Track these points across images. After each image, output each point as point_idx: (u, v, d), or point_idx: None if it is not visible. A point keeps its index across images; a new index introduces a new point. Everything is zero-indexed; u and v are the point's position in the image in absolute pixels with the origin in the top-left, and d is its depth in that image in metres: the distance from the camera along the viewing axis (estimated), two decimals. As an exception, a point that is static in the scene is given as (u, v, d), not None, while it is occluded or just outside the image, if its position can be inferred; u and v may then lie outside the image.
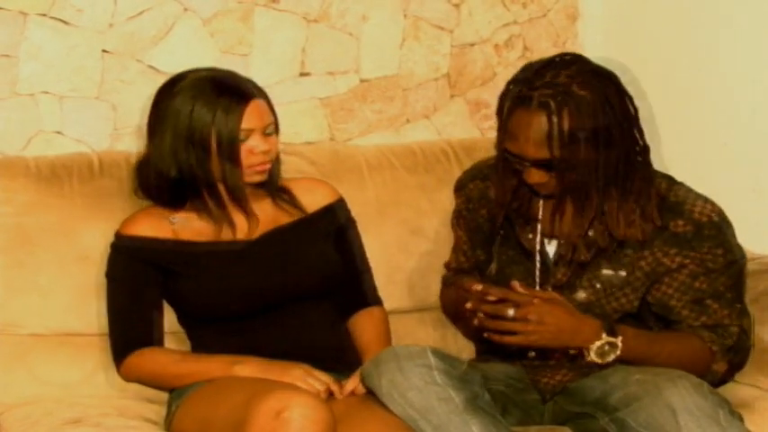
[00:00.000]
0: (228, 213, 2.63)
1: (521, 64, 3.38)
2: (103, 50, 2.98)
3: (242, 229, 2.65)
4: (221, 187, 2.60)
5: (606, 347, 2.43)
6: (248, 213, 2.63)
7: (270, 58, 3.15)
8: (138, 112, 2.93)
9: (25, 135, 2.95)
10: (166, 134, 2.56)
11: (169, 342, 2.65)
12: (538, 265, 2.62)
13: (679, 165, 3.37)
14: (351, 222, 2.81)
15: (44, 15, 2.92)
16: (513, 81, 2.54)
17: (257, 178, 2.62)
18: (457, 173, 3.00)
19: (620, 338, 2.44)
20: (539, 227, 2.62)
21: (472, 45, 3.41)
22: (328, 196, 2.78)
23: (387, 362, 2.38)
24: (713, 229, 2.54)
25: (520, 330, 2.38)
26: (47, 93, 2.95)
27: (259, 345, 2.57)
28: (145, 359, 2.58)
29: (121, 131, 3.02)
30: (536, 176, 2.49)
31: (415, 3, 3.31)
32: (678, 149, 3.39)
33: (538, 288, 2.58)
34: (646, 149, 2.58)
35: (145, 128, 2.66)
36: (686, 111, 3.35)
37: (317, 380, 2.45)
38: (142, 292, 2.60)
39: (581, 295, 2.56)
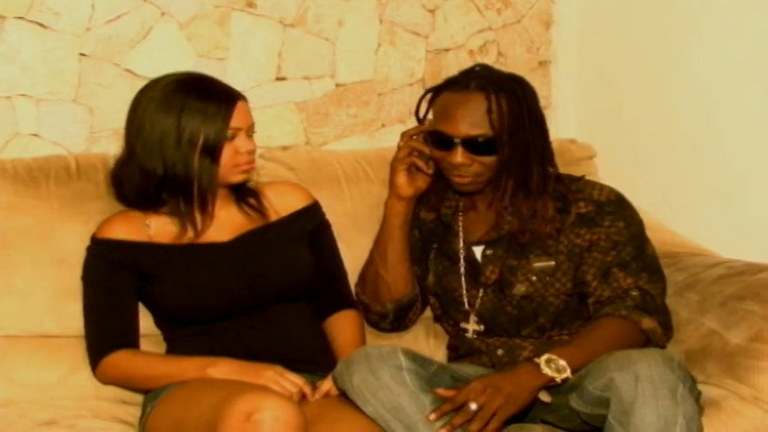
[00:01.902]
0: (194, 216, 2.63)
1: (495, 69, 3.41)
2: (81, 54, 2.98)
3: (212, 232, 2.65)
4: (195, 188, 2.60)
5: (552, 363, 2.46)
6: (211, 216, 2.63)
7: (246, 63, 3.16)
8: (115, 115, 2.92)
9: (2, 138, 2.93)
10: (155, 133, 2.56)
11: (145, 344, 2.64)
12: (462, 269, 2.76)
13: (650, 170, 3.39)
14: (325, 225, 2.82)
15: (21, 18, 2.91)
16: (438, 86, 2.73)
17: (241, 177, 2.63)
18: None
19: (554, 354, 2.49)
20: (461, 234, 2.78)
21: (447, 50, 3.42)
22: (303, 200, 2.79)
23: (358, 362, 2.39)
24: (612, 206, 2.70)
25: (486, 414, 2.37)
26: (24, 95, 2.94)
27: (234, 347, 2.57)
28: (121, 361, 2.57)
29: (98, 134, 3.02)
30: (461, 157, 2.62)
31: (390, 8, 3.32)
32: (649, 155, 3.40)
33: (467, 291, 2.75)
34: (551, 150, 2.74)
35: (123, 130, 2.65)
36: (656, 115, 3.36)
37: (290, 382, 2.45)
38: (118, 295, 2.60)
39: (520, 289, 2.70)
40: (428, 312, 2.95)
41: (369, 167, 3.07)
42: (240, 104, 2.59)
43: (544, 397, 2.47)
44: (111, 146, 2.92)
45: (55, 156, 2.86)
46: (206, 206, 2.62)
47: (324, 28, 3.25)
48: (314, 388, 2.49)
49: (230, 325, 2.60)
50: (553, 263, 2.69)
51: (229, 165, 2.58)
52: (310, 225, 2.78)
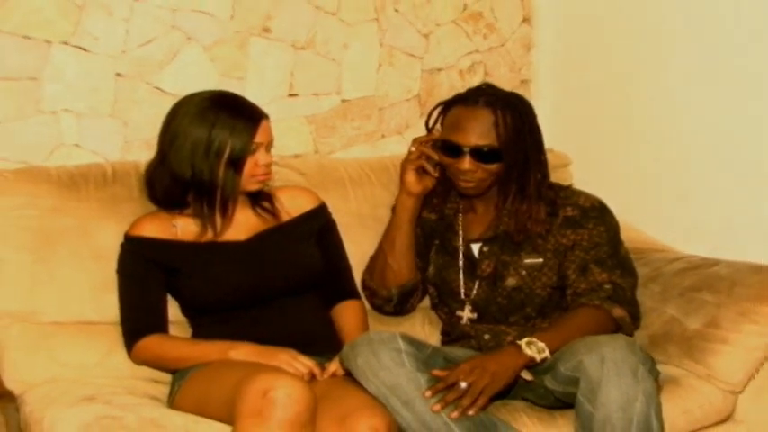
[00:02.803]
0: (215, 218, 2.63)
1: (482, 87, 3.42)
2: (117, 74, 2.98)
3: (230, 232, 2.65)
4: (218, 193, 2.61)
5: (532, 345, 2.47)
6: (230, 218, 2.63)
7: (262, 81, 3.16)
8: (147, 128, 2.94)
9: (48, 147, 2.94)
10: (188, 142, 2.56)
11: (174, 330, 2.64)
12: (460, 263, 2.78)
13: (619, 175, 3.40)
14: (332, 224, 2.82)
15: (66, 43, 2.91)
16: (449, 100, 2.75)
17: (257, 186, 2.63)
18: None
19: (534, 337, 2.50)
20: (460, 232, 2.80)
21: (439, 70, 3.42)
22: (311, 202, 2.79)
23: (362, 345, 2.40)
24: (595, 212, 2.73)
25: (476, 390, 2.38)
26: (67, 110, 2.95)
27: (252, 332, 2.57)
28: (152, 344, 2.58)
29: (132, 144, 3.02)
30: (468, 164, 2.65)
31: (390, 33, 3.32)
32: (617, 162, 3.41)
33: (464, 283, 2.77)
34: (545, 162, 2.76)
35: (153, 140, 2.66)
36: (623, 127, 3.37)
37: (301, 363, 2.45)
38: (148, 286, 2.60)
39: (511, 282, 2.73)
40: (425, 302, 2.96)
41: (371, 173, 3.08)
42: (264, 123, 2.60)
43: (526, 375, 2.48)
44: (143, 154, 2.92)
45: (94, 163, 2.87)
46: (226, 210, 2.62)
47: (331, 50, 3.26)
48: (322, 369, 2.50)
49: (248, 314, 2.61)
50: (541, 259, 2.71)
51: (248, 175, 2.59)
52: (318, 225, 2.78)
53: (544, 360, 2.47)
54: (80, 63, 2.94)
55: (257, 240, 2.66)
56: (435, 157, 2.74)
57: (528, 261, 2.72)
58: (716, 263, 2.85)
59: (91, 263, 2.67)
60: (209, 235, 2.63)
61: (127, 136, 3.02)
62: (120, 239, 2.65)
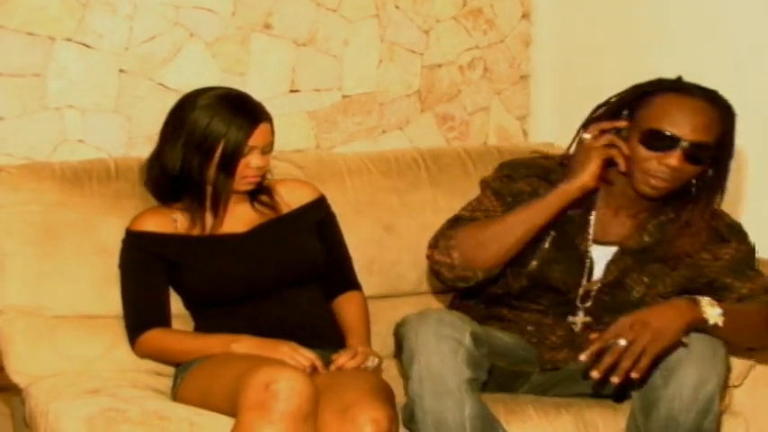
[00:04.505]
0: (205, 214, 2.63)
1: (482, 83, 3.45)
2: (120, 70, 2.99)
3: (230, 224, 2.64)
4: (209, 190, 2.61)
5: (713, 307, 2.32)
6: (224, 214, 2.62)
7: (264, 77, 3.16)
8: (150, 123, 2.94)
9: (52, 143, 2.95)
10: (181, 138, 2.55)
11: (176, 324, 2.64)
12: (587, 265, 2.52)
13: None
14: (331, 217, 2.80)
15: (69, 40, 2.92)
16: (652, 85, 2.45)
17: (246, 187, 2.62)
18: (426, 177, 3.03)
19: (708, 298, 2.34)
20: (590, 232, 2.52)
21: (440, 66, 3.42)
22: (311, 194, 2.77)
23: (431, 321, 2.30)
24: (739, 230, 2.54)
25: (637, 349, 2.21)
26: (71, 107, 2.96)
27: (254, 325, 2.57)
28: (154, 338, 2.58)
29: (135, 140, 3.03)
30: (679, 161, 2.35)
31: (390, 29, 3.32)
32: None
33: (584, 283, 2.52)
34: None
35: (156, 136, 2.66)
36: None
37: (303, 356, 2.45)
38: (150, 280, 2.60)
39: (635, 295, 2.51)
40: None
41: (371, 163, 3.04)
42: (263, 126, 2.56)
43: (687, 340, 2.28)
44: (146, 150, 2.90)
45: (97, 159, 2.87)
46: (217, 207, 2.61)
47: (332, 47, 3.26)
48: (324, 361, 2.49)
49: (249, 306, 2.60)
50: (668, 269, 2.51)
51: (239, 176, 2.57)
52: (318, 217, 2.76)
53: (714, 327, 2.29)
54: (84, 59, 2.95)
55: (256, 233, 2.66)
56: (625, 148, 2.40)
57: (657, 274, 2.51)
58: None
59: (95, 257, 2.67)
60: (207, 229, 2.63)
61: (130, 132, 3.03)
62: (123, 234, 2.65)
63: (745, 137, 2.47)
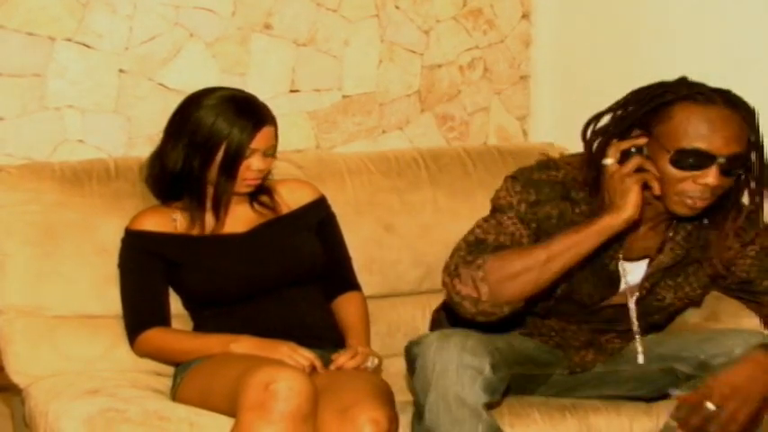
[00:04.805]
0: (204, 214, 2.63)
1: (482, 83, 3.45)
2: (120, 70, 2.99)
3: (230, 224, 2.64)
4: (209, 190, 2.61)
5: None
6: (224, 214, 2.63)
7: (264, 77, 3.16)
8: (150, 123, 2.95)
9: (52, 143, 2.95)
10: (184, 137, 2.56)
11: (176, 324, 2.64)
12: (623, 285, 2.39)
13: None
14: (331, 217, 2.80)
15: (69, 40, 2.92)
16: (660, 86, 2.28)
17: (246, 190, 2.62)
18: (426, 177, 3.03)
19: None
20: (621, 251, 2.37)
21: (440, 66, 3.42)
22: (311, 194, 2.78)
23: (452, 348, 2.20)
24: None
25: (726, 416, 2.14)
26: (71, 107, 2.96)
27: (253, 325, 2.57)
28: (154, 338, 2.58)
29: (135, 140, 3.03)
30: (716, 178, 2.19)
31: (390, 29, 3.32)
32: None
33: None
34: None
35: (156, 136, 2.66)
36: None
37: (302, 356, 2.45)
38: (150, 279, 2.60)
39: (665, 301, 2.45)
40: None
41: (371, 163, 3.05)
42: (266, 129, 2.57)
43: None
44: (146, 150, 2.91)
45: (97, 159, 2.87)
46: (218, 208, 2.62)
47: (332, 47, 3.26)
48: (324, 361, 2.49)
49: (248, 306, 2.60)
50: (696, 271, 2.44)
51: (239, 178, 2.58)
52: (318, 217, 2.77)
53: None
54: (84, 59, 2.95)
55: (256, 233, 2.66)
56: (654, 169, 2.21)
57: (683, 276, 2.43)
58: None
59: (94, 257, 2.68)
60: (206, 229, 2.63)
61: (130, 132, 3.03)
62: (123, 234, 2.65)
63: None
